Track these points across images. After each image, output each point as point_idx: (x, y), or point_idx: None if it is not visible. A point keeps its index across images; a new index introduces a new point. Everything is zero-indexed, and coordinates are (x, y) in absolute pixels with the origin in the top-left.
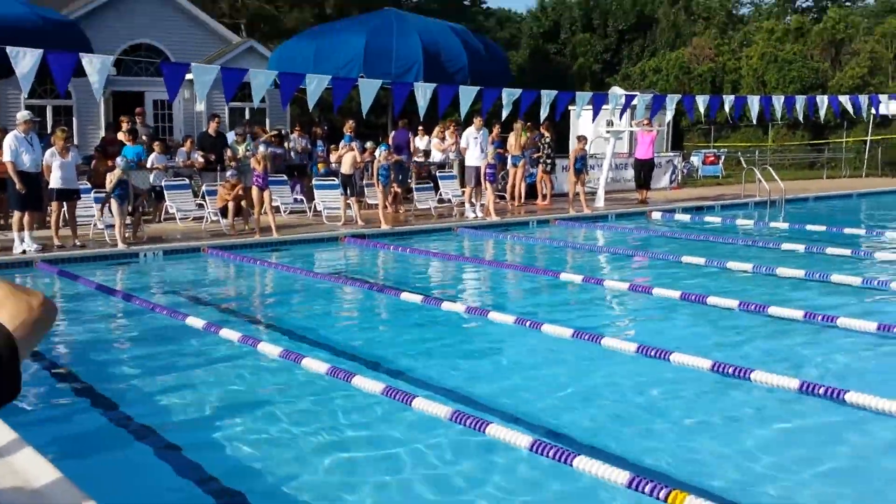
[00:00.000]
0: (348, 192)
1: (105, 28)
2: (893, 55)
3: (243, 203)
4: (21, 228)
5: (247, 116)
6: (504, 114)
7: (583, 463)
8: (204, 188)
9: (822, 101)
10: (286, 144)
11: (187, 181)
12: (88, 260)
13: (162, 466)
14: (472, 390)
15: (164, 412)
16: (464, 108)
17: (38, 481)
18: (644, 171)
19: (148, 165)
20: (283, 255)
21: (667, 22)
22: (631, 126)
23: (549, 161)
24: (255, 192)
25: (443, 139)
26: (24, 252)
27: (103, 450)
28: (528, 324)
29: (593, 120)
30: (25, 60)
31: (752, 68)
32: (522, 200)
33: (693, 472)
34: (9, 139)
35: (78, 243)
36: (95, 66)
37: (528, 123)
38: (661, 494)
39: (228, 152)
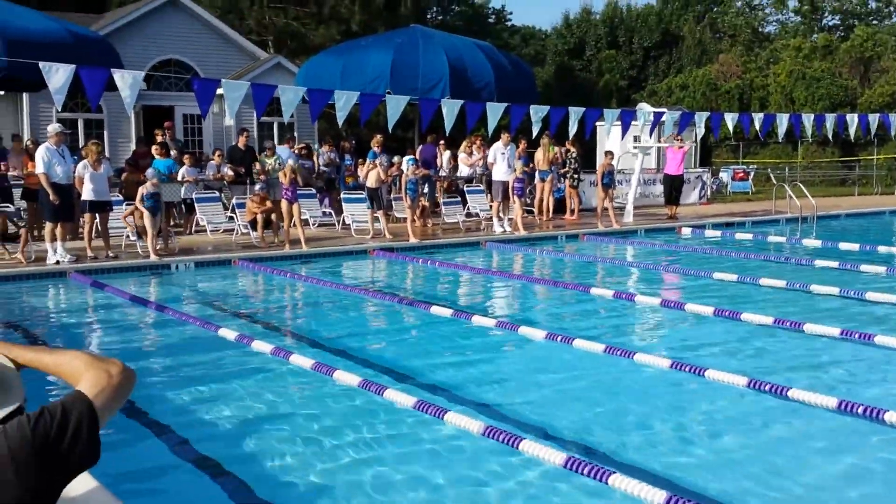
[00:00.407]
0: (374, 205)
1: (134, 44)
2: None
3: (273, 216)
4: (54, 239)
5: (275, 131)
6: (534, 130)
7: (618, 481)
8: (234, 201)
9: (852, 119)
10: (315, 158)
11: (217, 194)
12: (121, 271)
13: (194, 476)
14: (503, 405)
15: (197, 422)
16: (492, 124)
17: (75, 490)
18: (674, 186)
19: (179, 178)
20: (313, 268)
21: (692, 39)
22: (661, 142)
23: (575, 176)
24: (284, 205)
25: (470, 154)
26: (57, 263)
27: (136, 458)
28: (559, 339)
29: (622, 136)
30: (58, 75)
31: (780, 85)
32: (550, 215)
33: (731, 492)
34: (41, 151)
35: (111, 254)
36: (127, 82)
37: (553, 138)
38: None
39: (257, 166)
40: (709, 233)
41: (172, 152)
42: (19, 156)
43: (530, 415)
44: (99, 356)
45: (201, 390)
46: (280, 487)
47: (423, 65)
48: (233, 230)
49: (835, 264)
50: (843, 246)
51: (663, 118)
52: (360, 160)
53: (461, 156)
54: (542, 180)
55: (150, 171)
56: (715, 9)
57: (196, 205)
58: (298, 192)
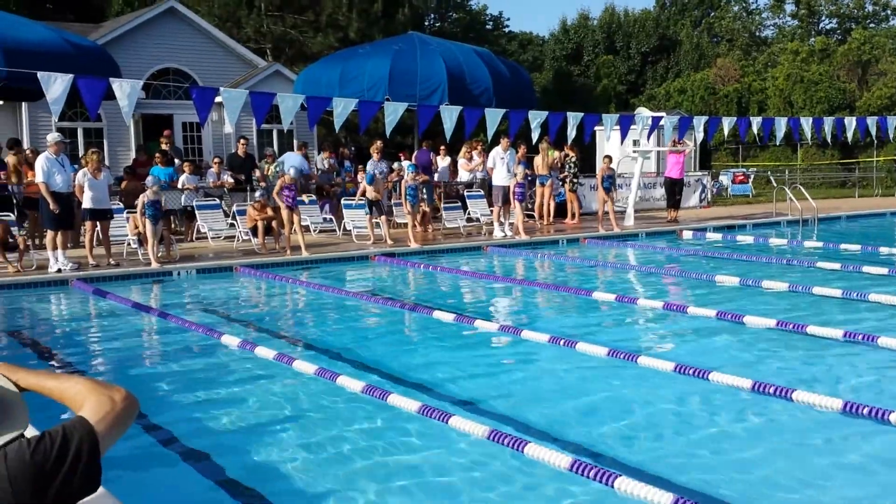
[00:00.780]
0: (374, 212)
1: (133, 53)
2: None
3: (273, 222)
4: (55, 247)
5: (274, 137)
6: (534, 136)
7: (624, 484)
8: (234, 208)
9: (850, 122)
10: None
11: (218, 201)
12: (123, 278)
13: (197, 482)
14: (508, 409)
15: (201, 429)
16: (490, 130)
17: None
18: (675, 190)
19: (179, 186)
20: (315, 274)
21: (690, 44)
22: (664, 146)
23: (574, 180)
24: (284, 211)
25: (470, 159)
26: (59, 271)
27: (140, 465)
28: (562, 342)
29: (622, 141)
30: (56, 85)
31: (778, 89)
32: (551, 219)
33: (736, 494)
34: (40, 161)
35: (112, 262)
36: (125, 91)
37: (552, 143)
38: None
39: (257, 172)
40: (710, 236)
41: (177, 161)
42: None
43: (535, 418)
44: (103, 382)
45: (205, 397)
46: (283, 492)
47: (421, 71)
48: (234, 237)
49: (836, 266)
50: (845, 247)
51: (662, 122)
52: (359, 166)
53: (461, 161)
54: (542, 185)
55: (149, 179)
56: (712, 13)
57: (197, 212)
58: (298, 198)
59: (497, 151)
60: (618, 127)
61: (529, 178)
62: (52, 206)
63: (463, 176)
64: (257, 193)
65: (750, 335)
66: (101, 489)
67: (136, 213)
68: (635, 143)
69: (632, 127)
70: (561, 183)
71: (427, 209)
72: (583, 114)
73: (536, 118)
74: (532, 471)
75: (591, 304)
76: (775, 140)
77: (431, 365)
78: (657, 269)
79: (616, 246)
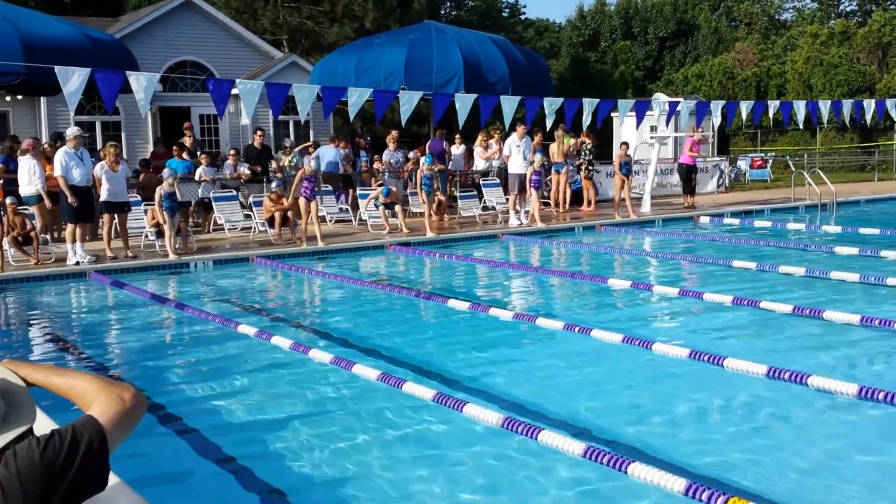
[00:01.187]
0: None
1: (150, 46)
2: None
3: (289, 213)
4: (74, 240)
5: (291, 129)
6: (548, 123)
7: (638, 470)
8: (251, 199)
9: (870, 105)
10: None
11: (234, 193)
12: (140, 270)
13: (213, 470)
14: (522, 396)
15: (218, 418)
16: (507, 118)
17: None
18: (690, 176)
19: (196, 178)
20: (331, 264)
21: (708, 28)
22: (682, 132)
23: (590, 167)
24: (301, 202)
25: (486, 147)
26: (77, 263)
27: (155, 455)
28: (577, 329)
29: (637, 127)
30: (73, 79)
31: (797, 72)
32: (567, 207)
33: (751, 479)
34: (59, 155)
35: (130, 254)
36: (142, 84)
37: (567, 130)
38: (719, 502)
39: (273, 164)
40: (727, 221)
41: (198, 153)
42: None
43: (549, 405)
44: (111, 380)
45: (221, 386)
46: (300, 480)
47: (438, 60)
48: (250, 228)
49: (855, 250)
50: (864, 231)
51: (679, 107)
52: (376, 156)
53: (477, 149)
54: (558, 172)
55: (166, 172)
56: None
57: (214, 204)
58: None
59: (513, 139)
60: (633, 113)
61: (546, 166)
62: (70, 199)
63: (479, 164)
64: (273, 184)
65: (766, 320)
66: (116, 479)
67: (153, 205)
68: (652, 129)
69: (648, 113)
70: (577, 170)
71: (442, 198)
72: (598, 100)
73: (552, 105)
74: (546, 457)
75: (606, 291)
76: (795, 124)
77: (446, 353)
78: (673, 255)
79: (632, 233)
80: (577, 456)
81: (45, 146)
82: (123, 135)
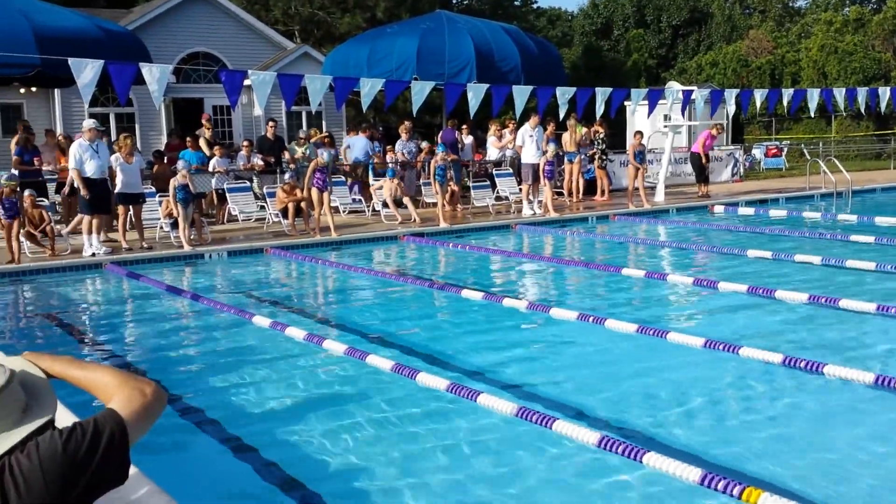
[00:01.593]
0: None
1: (163, 38)
2: None
3: (303, 204)
4: (90, 232)
5: (304, 119)
6: (561, 112)
7: (653, 459)
8: (264, 190)
9: (885, 92)
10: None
11: (248, 184)
12: (155, 261)
13: (229, 462)
14: (536, 386)
15: (233, 409)
16: (519, 107)
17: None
18: (703, 164)
19: (210, 169)
20: (344, 255)
21: (721, 15)
22: (699, 121)
23: (604, 157)
24: (314, 193)
25: (500, 137)
26: (93, 255)
27: (172, 446)
28: (591, 319)
29: (648, 115)
30: (86, 71)
31: (812, 60)
32: (580, 196)
33: (767, 469)
34: (74, 147)
35: (145, 245)
36: (155, 76)
37: (578, 120)
38: (735, 491)
39: (286, 154)
40: (742, 210)
41: (217, 146)
42: (52, 150)
43: (563, 395)
44: (132, 375)
45: (236, 377)
46: (314, 469)
47: (450, 50)
48: (264, 219)
49: (871, 239)
50: (879, 220)
51: (693, 96)
52: (388, 146)
53: (491, 139)
54: (570, 162)
55: (180, 164)
56: None
57: (227, 195)
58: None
59: (526, 129)
60: (645, 102)
61: (560, 155)
62: (83, 192)
63: (492, 154)
64: (287, 175)
65: (782, 310)
66: (134, 470)
67: (168, 196)
68: (666, 117)
69: (661, 101)
70: (590, 160)
71: (456, 188)
72: (611, 89)
73: (564, 94)
74: (560, 447)
75: (620, 280)
76: (808, 112)
77: (460, 343)
78: (688, 244)
79: (646, 222)
80: (591, 445)
81: (61, 138)
82: (137, 126)
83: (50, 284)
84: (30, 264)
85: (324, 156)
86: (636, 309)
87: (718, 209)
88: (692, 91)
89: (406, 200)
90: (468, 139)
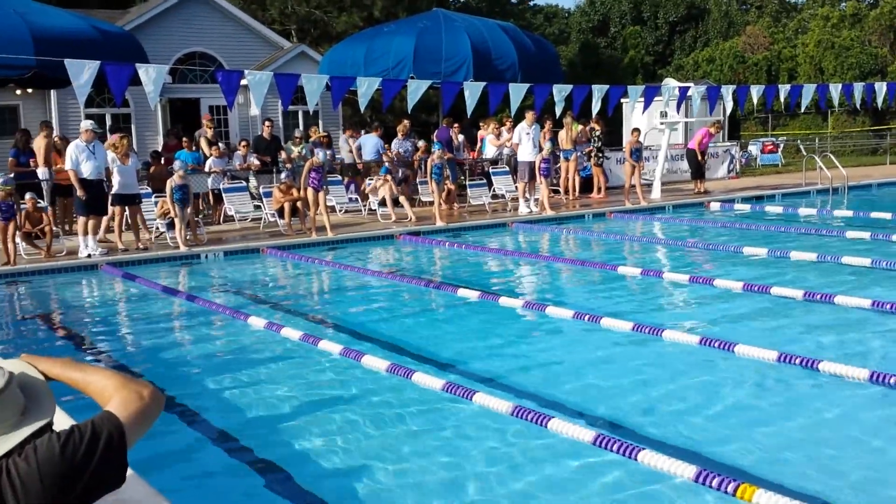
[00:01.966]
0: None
1: (159, 38)
2: None
3: (299, 204)
4: (86, 233)
5: (300, 119)
6: (558, 110)
7: (648, 457)
8: (260, 190)
9: (881, 87)
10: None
11: (244, 184)
12: (151, 262)
13: (226, 463)
14: (532, 384)
15: (228, 409)
16: (514, 105)
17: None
18: (699, 160)
19: (206, 169)
20: (341, 254)
21: (718, 12)
22: (695, 118)
23: (600, 154)
24: (310, 193)
25: (498, 135)
26: (89, 256)
27: (167, 447)
28: (586, 318)
29: (643, 112)
30: (82, 72)
31: (808, 56)
32: (577, 194)
33: (761, 465)
34: (70, 148)
35: (141, 246)
36: (151, 76)
37: (574, 117)
38: (730, 488)
39: (283, 154)
40: (738, 207)
41: (221, 145)
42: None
43: (559, 393)
44: (130, 377)
45: (231, 378)
46: (309, 469)
47: (446, 48)
48: (260, 219)
49: (866, 235)
50: (875, 215)
51: (689, 93)
52: (385, 145)
53: (489, 137)
54: (566, 159)
55: (177, 164)
56: None
57: (223, 195)
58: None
59: (522, 126)
60: (642, 99)
61: (556, 153)
62: (79, 192)
63: (489, 152)
64: (283, 175)
65: (777, 306)
66: (131, 472)
67: (164, 197)
68: (662, 114)
69: (657, 98)
70: (586, 157)
71: (452, 187)
72: (608, 86)
73: (561, 92)
74: (556, 445)
75: (616, 278)
76: (806, 108)
77: (455, 342)
78: (683, 241)
79: (642, 219)
80: (587, 443)
81: (57, 139)
82: (133, 127)
83: (46, 286)
84: (25, 266)
85: (319, 155)
86: (632, 307)
87: (715, 206)
88: (689, 88)
89: (402, 199)
90: (459, 138)
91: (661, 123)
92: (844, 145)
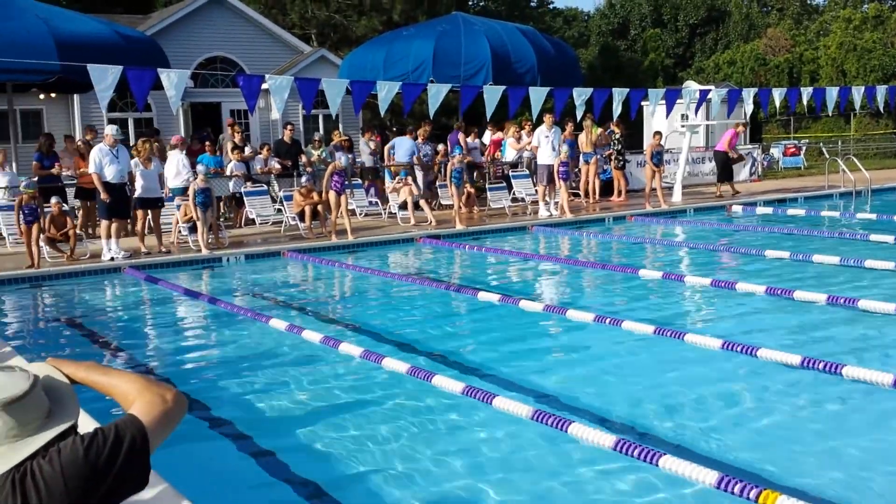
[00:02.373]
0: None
1: (181, 43)
2: None
3: (319, 207)
4: (109, 236)
5: (321, 123)
6: (578, 113)
7: (669, 462)
8: (281, 194)
9: None
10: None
11: (265, 187)
12: (174, 265)
13: (247, 464)
14: (552, 389)
15: (249, 412)
16: (535, 109)
17: None
18: (728, 162)
19: (227, 173)
20: (361, 257)
21: (739, 14)
22: (717, 120)
23: (620, 157)
24: (331, 196)
25: (518, 139)
26: (112, 259)
27: (189, 448)
28: (608, 321)
29: (667, 116)
30: (105, 77)
31: (830, 58)
32: (597, 197)
33: (784, 471)
34: (94, 152)
35: (163, 249)
36: (173, 81)
37: (594, 120)
38: (752, 494)
39: (303, 158)
40: (760, 210)
41: (247, 149)
42: (72, 156)
43: (580, 398)
44: (153, 380)
45: (252, 380)
46: (329, 471)
47: (466, 52)
48: (281, 222)
49: (890, 239)
50: None
51: (710, 95)
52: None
53: (509, 140)
54: (587, 162)
55: (199, 168)
56: None
57: (245, 198)
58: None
59: (542, 130)
60: (663, 102)
61: (573, 156)
62: (102, 195)
63: (509, 155)
64: (303, 179)
65: (800, 310)
66: (154, 474)
67: (186, 200)
68: (683, 117)
69: (678, 101)
70: (606, 160)
71: (472, 190)
72: (628, 90)
73: (581, 95)
74: (576, 450)
75: (637, 281)
76: (827, 111)
77: (476, 346)
78: (705, 245)
79: (663, 223)
80: (607, 449)
81: (80, 143)
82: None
83: (69, 289)
84: (49, 269)
85: (341, 159)
86: (653, 310)
87: (736, 209)
88: (710, 90)
89: (422, 202)
90: (475, 142)
91: (682, 126)
92: (867, 148)
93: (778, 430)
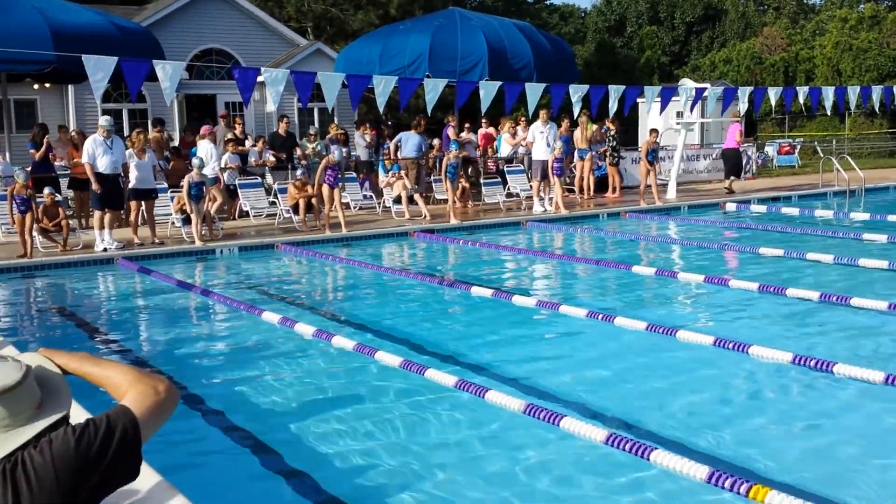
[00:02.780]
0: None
1: (176, 34)
2: None
3: (314, 200)
4: (102, 227)
5: (316, 116)
6: (575, 111)
7: (660, 457)
8: (276, 186)
9: None
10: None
11: (259, 180)
12: (167, 257)
13: (239, 456)
14: (544, 383)
15: (241, 404)
16: (531, 105)
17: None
18: (739, 159)
19: (222, 165)
20: (355, 251)
21: (735, 12)
22: (716, 117)
23: (615, 154)
24: (325, 189)
25: (514, 134)
26: (105, 250)
27: (181, 441)
28: (600, 317)
29: (660, 112)
30: (100, 68)
31: (826, 57)
32: (591, 193)
33: (775, 467)
34: (87, 143)
35: (157, 241)
36: (167, 73)
37: (589, 116)
38: (743, 489)
39: (298, 151)
40: (754, 208)
41: (248, 142)
42: (65, 146)
43: (571, 392)
44: (145, 372)
45: (244, 372)
46: (322, 464)
47: (462, 47)
48: (275, 215)
49: (883, 238)
50: (892, 218)
51: (705, 93)
52: (399, 143)
53: (504, 135)
54: (581, 159)
55: (195, 161)
56: None
57: (239, 191)
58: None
59: (536, 126)
60: (658, 99)
61: (567, 152)
62: (94, 186)
63: (504, 151)
64: (298, 172)
65: (792, 308)
66: (144, 465)
67: (180, 192)
68: (678, 114)
69: (674, 98)
70: (601, 157)
71: (466, 185)
72: (624, 87)
73: (577, 92)
74: (568, 444)
75: (630, 278)
76: (822, 109)
77: (469, 340)
78: (699, 242)
79: (657, 219)
80: (599, 443)
81: (73, 134)
82: (150, 122)
83: (62, 279)
84: (42, 259)
85: (335, 153)
86: (646, 306)
87: (730, 206)
88: (705, 88)
89: (417, 197)
90: (470, 136)
91: (678, 123)
92: (862, 147)
93: (769, 426)
